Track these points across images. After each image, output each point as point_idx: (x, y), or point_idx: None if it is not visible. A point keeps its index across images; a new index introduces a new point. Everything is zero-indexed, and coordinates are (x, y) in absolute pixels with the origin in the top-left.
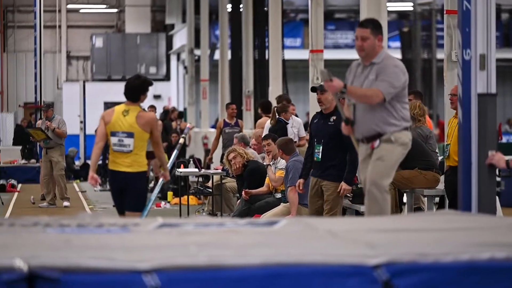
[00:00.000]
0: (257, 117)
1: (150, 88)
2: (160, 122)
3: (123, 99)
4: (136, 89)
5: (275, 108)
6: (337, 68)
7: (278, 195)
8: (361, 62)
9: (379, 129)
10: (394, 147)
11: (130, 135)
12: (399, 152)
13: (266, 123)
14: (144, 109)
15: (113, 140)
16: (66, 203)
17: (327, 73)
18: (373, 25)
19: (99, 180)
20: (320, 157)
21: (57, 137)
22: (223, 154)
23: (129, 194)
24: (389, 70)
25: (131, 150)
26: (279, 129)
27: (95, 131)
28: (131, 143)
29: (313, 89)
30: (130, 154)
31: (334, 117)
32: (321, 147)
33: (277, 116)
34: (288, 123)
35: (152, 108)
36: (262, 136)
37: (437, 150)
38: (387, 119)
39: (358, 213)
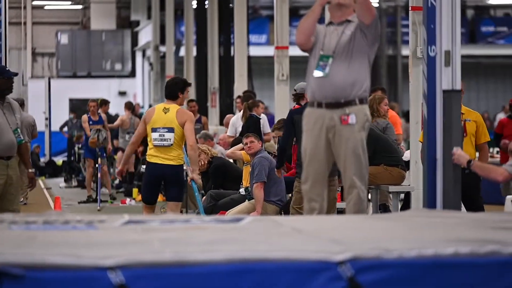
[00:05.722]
0: (222, 114)
1: (115, 84)
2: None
3: (88, 95)
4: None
5: (246, 104)
6: (302, 64)
7: (243, 192)
8: (333, 20)
9: (356, 93)
10: (362, 134)
11: (170, 130)
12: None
13: (231, 119)
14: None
15: (154, 135)
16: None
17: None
18: None
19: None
20: None
21: None
22: None
23: (169, 186)
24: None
25: (171, 144)
26: (251, 124)
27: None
28: (171, 137)
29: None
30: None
31: None
32: None
33: (249, 112)
34: (260, 118)
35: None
36: (243, 135)
37: (395, 138)
38: (365, 81)
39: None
